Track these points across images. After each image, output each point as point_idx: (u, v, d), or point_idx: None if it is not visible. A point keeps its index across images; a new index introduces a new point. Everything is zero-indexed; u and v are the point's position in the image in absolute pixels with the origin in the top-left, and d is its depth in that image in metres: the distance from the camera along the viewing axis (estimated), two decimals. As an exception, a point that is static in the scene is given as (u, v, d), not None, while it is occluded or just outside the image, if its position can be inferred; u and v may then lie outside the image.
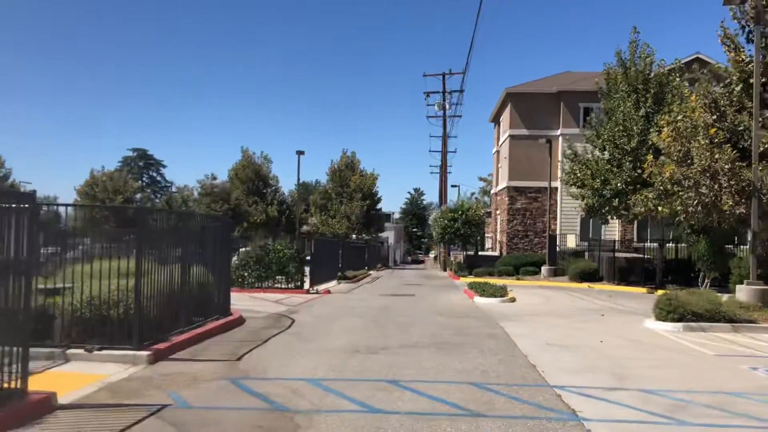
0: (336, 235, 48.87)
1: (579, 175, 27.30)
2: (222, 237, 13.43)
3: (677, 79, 25.91)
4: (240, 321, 13.37)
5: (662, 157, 18.36)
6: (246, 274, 23.50)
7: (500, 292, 20.87)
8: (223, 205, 42.35)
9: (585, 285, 29.11)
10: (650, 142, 24.94)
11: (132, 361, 8.83)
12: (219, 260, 13.21)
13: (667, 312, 13.22)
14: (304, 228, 57.19)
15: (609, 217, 27.93)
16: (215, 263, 12.96)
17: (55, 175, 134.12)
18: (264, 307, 17.32)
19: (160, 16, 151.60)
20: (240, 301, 18.86)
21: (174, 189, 61.39)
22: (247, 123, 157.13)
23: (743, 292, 14.57)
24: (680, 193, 16.71)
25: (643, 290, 26.28)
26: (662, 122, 18.94)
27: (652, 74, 26.49)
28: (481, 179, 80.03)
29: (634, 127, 25.29)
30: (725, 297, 14.64)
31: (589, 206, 27.50)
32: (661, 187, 18.29)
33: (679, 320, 13.11)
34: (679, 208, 17.67)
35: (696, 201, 16.05)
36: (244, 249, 24.41)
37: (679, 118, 16.83)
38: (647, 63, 26.54)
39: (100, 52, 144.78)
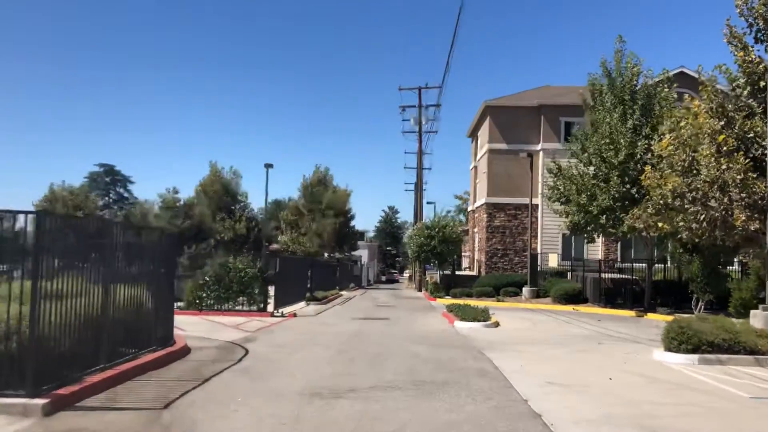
0: (307, 253, 46.82)
1: (563, 190, 25.73)
2: (164, 252, 11.42)
3: (666, 89, 24.53)
4: (183, 352, 11.32)
5: (663, 166, 16.74)
6: (203, 294, 21.39)
7: (483, 315, 19.04)
8: (184, 221, 40.11)
9: (569, 307, 27.46)
10: (638, 155, 23.56)
11: (22, 412, 6.78)
12: (159, 280, 11.19)
13: (679, 342, 11.47)
14: (274, 246, 55.01)
15: (595, 235, 26.35)
16: (154, 283, 10.94)
17: (14, 191, 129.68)
18: (219, 333, 15.28)
19: (126, 24, 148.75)
20: (193, 326, 16.86)
21: (130, 204, 58.67)
22: (217, 138, 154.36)
23: (759, 319, 12.91)
24: (685, 207, 15.06)
25: (632, 313, 24.69)
26: (664, 129, 17.41)
27: (639, 85, 25.13)
28: (456, 197, 78.64)
29: (622, 140, 23.81)
30: (737, 323, 12.95)
31: (574, 224, 25.90)
32: (661, 201, 16.65)
33: (693, 351, 11.36)
34: (681, 224, 16.04)
35: (703, 216, 14.42)
36: (206, 268, 22.30)
37: (682, 124, 15.24)
38: (634, 73, 25.14)
39: (65, 60, 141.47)
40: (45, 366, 7.29)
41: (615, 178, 23.54)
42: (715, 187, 13.86)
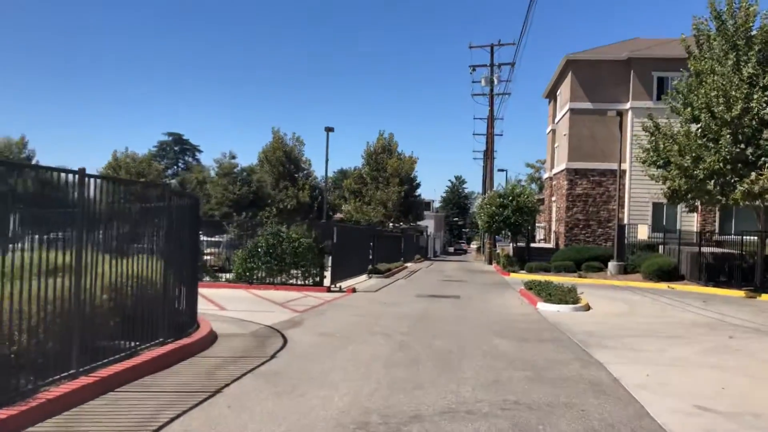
0: (371, 222, 44.45)
1: (662, 151, 22.13)
2: (181, 218, 9.01)
3: (791, 31, 20.50)
4: (203, 343, 8.94)
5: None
6: (254, 266, 19.20)
7: (571, 296, 16.07)
8: (242, 187, 38.18)
9: (664, 285, 24.04)
10: (756, 110, 19.80)
11: None
12: (174, 252, 8.80)
13: None
14: (338, 215, 52.95)
15: (698, 203, 22.71)
16: (167, 256, 8.56)
17: (82, 159, 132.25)
18: (262, 313, 12.96)
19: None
20: (236, 303, 14.72)
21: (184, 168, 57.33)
22: (282, 107, 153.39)
23: None
24: None
25: (741, 293, 21.15)
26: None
27: (756, 29, 21.13)
28: (528, 165, 74.30)
29: (735, 92, 20.01)
30: None
31: (673, 190, 22.32)
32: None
33: None
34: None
35: None
36: (257, 237, 20.07)
37: None
38: (749, 14, 21.12)
39: (133, 35, 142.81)
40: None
41: (727, 136, 19.86)
42: None
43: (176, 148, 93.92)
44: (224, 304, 14.64)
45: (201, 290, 17.96)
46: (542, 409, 6.10)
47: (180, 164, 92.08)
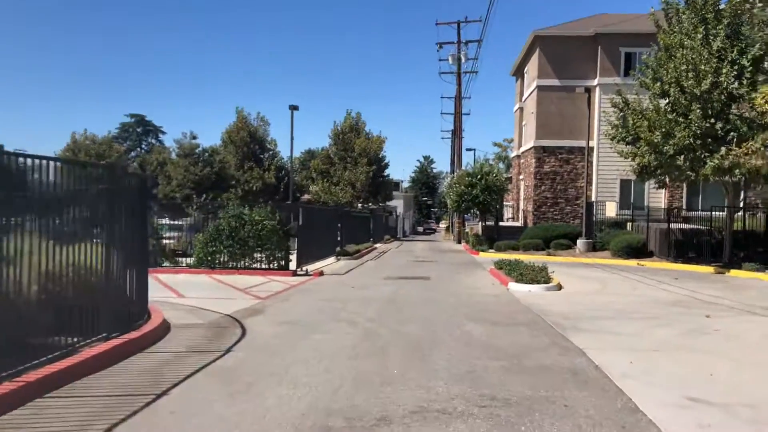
0: (340, 203, 43.69)
1: (631, 127, 21.76)
2: (127, 201, 8.22)
3: (759, 4, 20.19)
4: (154, 337, 8.19)
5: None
6: (213, 250, 18.39)
7: (542, 276, 15.63)
8: (204, 168, 37.01)
9: (633, 262, 23.87)
10: (725, 84, 19.49)
11: None
12: (118, 238, 8.02)
13: None
14: (306, 196, 52.05)
15: (668, 179, 22.45)
16: (111, 241, 7.78)
17: (41, 141, 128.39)
18: (222, 300, 12.22)
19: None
20: (195, 290, 13.95)
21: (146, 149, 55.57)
22: (247, 88, 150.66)
23: None
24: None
25: (710, 269, 21.04)
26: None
27: (724, 3, 20.78)
28: (495, 144, 74.13)
29: (704, 66, 19.68)
30: None
31: (643, 167, 22.02)
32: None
33: None
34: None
35: None
36: (218, 220, 19.20)
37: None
38: (719, -14, 20.78)
39: (95, 17, 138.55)
40: None
41: (697, 111, 19.53)
42: None
43: (139, 130, 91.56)
44: (183, 291, 13.86)
45: (160, 276, 17.29)
46: (522, 405, 5.53)
47: (143, 146, 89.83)
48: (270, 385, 6.17)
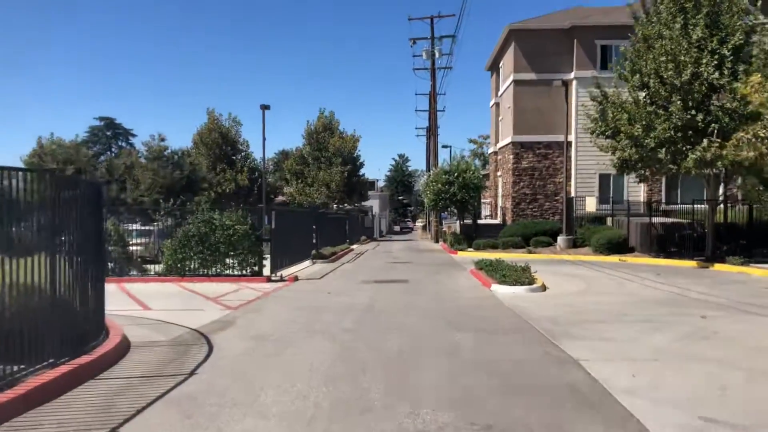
0: (314, 204, 42.92)
1: (611, 121, 21.34)
2: (78, 209, 7.44)
3: (737, -7, 19.88)
4: (110, 359, 7.43)
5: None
6: (182, 257, 17.57)
7: (525, 276, 15.09)
8: (173, 171, 35.97)
9: (615, 258, 23.50)
10: (705, 75, 19.13)
11: None
12: (67, 250, 7.24)
13: None
14: (280, 198, 51.18)
15: (648, 173, 22.07)
16: (60, 256, 7.00)
17: (5, 147, 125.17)
18: (190, 312, 11.47)
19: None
20: (162, 300, 13.20)
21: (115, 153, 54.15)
22: (219, 89, 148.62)
23: None
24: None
25: (693, 264, 20.72)
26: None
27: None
28: (471, 141, 73.68)
29: (684, 57, 19.31)
30: None
31: (623, 160, 21.62)
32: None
33: None
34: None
35: None
36: (188, 225, 18.34)
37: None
38: (696, -26, 20.39)
39: (60, 19, 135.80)
40: None
41: (677, 102, 19.16)
42: None
43: (108, 133, 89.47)
44: (149, 302, 13.08)
45: (127, 286, 16.41)
46: (522, 434, 4.90)
47: (113, 150, 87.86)
48: (236, 415, 5.47)
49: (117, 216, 20.88)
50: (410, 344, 8.42)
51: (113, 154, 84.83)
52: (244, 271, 17.79)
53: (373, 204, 63.76)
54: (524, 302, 12.44)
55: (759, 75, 15.06)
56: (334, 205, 46.64)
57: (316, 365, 7.25)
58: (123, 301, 13.21)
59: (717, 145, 18.48)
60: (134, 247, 19.88)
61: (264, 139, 27.51)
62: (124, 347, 8.14)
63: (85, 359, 7.02)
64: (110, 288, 15.62)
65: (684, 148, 19.44)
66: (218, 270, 17.78)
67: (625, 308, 11.61)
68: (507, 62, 33.79)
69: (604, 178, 30.30)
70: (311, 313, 11.34)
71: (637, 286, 15.25)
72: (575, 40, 30.59)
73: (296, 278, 17.91)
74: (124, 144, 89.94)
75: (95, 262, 8.19)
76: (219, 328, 9.81)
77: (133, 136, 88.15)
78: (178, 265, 17.75)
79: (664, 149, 19.72)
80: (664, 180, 29.43)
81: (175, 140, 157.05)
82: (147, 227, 22.81)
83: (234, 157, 47.46)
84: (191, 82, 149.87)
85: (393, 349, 8.10)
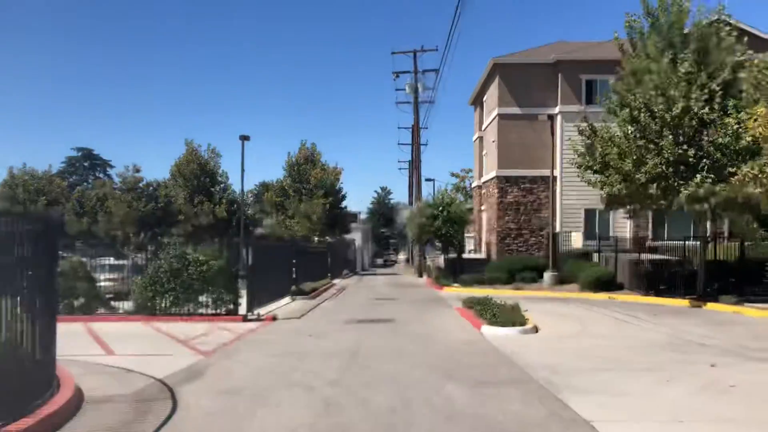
0: (295, 237, 41.92)
1: (599, 155, 20.86)
2: (24, 248, 6.54)
3: (726, 29, 19.66)
4: (57, 421, 6.45)
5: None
6: (152, 295, 16.56)
7: (517, 316, 14.33)
8: (147, 203, 34.88)
9: (604, 296, 22.81)
10: (695, 110, 18.75)
11: None
12: (10, 293, 6.33)
13: None
14: (259, 230, 50.08)
15: (638, 208, 21.55)
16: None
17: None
18: (157, 358, 10.55)
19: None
20: (128, 342, 12.26)
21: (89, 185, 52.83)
22: (198, 121, 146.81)
23: None
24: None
25: (685, 303, 20.09)
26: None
27: (689, 26, 20.21)
28: (453, 174, 73.09)
29: (674, 91, 18.94)
30: None
31: (612, 196, 21.10)
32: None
33: None
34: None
35: None
36: (159, 261, 17.36)
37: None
38: (683, 11, 20.17)
39: (41, 47, 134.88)
40: None
41: (669, 137, 18.71)
42: None
43: (86, 164, 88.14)
44: (114, 345, 12.11)
45: (93, 326, 15.31)
46: None
47: (90, 181, 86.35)
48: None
49: (85, 250, 19.88)
50: (400, 398, 7.55)
51: (89, 185, 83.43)
52: (219, 310, 16.81)
53: (356, 237, 62.85)
54: (518, 346, 11.61)
55: (765, 107, 14.61)
56: (316, 238, 45.66)
57: (295, 428, 6.34)
58: (85, 344, 12.25)
59: (710, 180, 18.02)
60: (105, 283, 18.84)
61: (243, 170, 26.89)
62: (75, 404, 7.18)
63: (24, 423, 6.05)
64: (75, 328, 14.75)
65: (676, 184, 18.94)
66: (191, 309, 16.78)
67: (628, 354, 10.85)
68: (491, 96, 33.47)
69: (590, 214, 29.80)
70: (290, 360, 10.41)
71: (634, 328, 14.54)
72: (560, 75, 30.34)
73: (275, 318, 16.96)
74: (101, 175, 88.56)
75: (45, 304, 7.26)
76: (186, 379, 8.86)
77: (111, 167, 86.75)
78: (149, 304, 16.73)
79: (655, 184, 19.20)
80: (650, 216, 28.98)
81: (156, 171, 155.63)
82: (121, 262, 21.80)
83: (212, 189, 46.45)
84: (172, 113, 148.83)
85: (382, 406, 7.21)
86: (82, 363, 9.67)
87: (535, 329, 13.89)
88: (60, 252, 19.26)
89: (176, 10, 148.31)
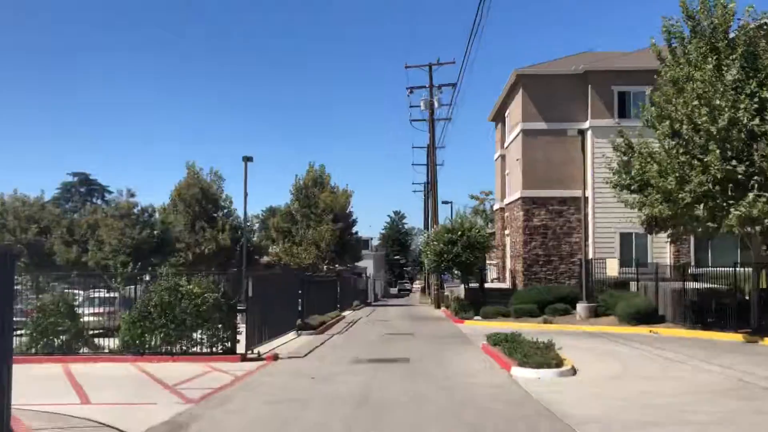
0: (301, 266, 41.10)
1: (637, 173, 19.90)
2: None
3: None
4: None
5: None
6: (143, 331, 15.70)
7: (552, 356, 13.26)
8: (142, 230, 34.23)
9: (645, 329, 21.69)
10: (744, 121, 17.79)
11: None
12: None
13: None
14: (265, 259, 49.36)
15: (680, 231, 20.51)
16: None
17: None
18: (138, 408, 9.72)
19: (94, 18, 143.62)
20: (110, 388, 11.52)
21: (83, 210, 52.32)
22: (201, 144, 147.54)
23: None
24: None
25: (738, 337, 18.99)
26: None
27: (734, 30, 19.33)
28: (473, 197, 72.36)
29: (719, 101, 17.98)
30: None
31: (652, 217, 20.10)
32: None
33: None
34: None
35: None
36: (148, 294, 16.55)
37: None
38: (728, 12, 19.28)
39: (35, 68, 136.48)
40: None
41: (716, 151, 17.71)
42: None
43: (82, 190, 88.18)
44: (92, 391, 11.27)
45: (72, 367, 14.40)
46: None
47: (87, 207, 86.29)
48: None
49: (72, 282, 19.16)
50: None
51: (87, 212, 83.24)
52: (214, 348, 15.92)
53: (368, 265, 62.01)
54: (555, 393, 10.58)
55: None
56: (324, 266, 44.80)
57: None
58: (60, 390, 11.43)
59: (764, 200, 16.99)
60: (92, 318, 18.03)
61: (245, 193, 26.03)
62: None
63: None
64: (53, 371, 13.95)
65: (725, 204, 17.91)
66: (184, 347, 15.91)
67: (683, 401, 9.80)
68: (514, 110, 32.63)
69: (625, 238, 28.68)
70: (290, 409, 9.49)
71: (686, 368, 13.48)
72: (589, 86, 29.43)
73: (276, 356, 16.03)
74: (99, 201, 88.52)
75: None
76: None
77: (109, 192, 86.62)
78: (137, 341, 15.87)
79: (701, 205, 18.17)
80: (692, 240, 27.85)
81: (156, 198, 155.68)
82: (112, 294, 21.02)
83: (215, 215, 45.84)
84: (175, 139, 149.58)
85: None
86: (48, 415, 8.84)
87: (573, 371, 12.86)
88: (43, 282, 18.68)
89: (183, 29, 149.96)
